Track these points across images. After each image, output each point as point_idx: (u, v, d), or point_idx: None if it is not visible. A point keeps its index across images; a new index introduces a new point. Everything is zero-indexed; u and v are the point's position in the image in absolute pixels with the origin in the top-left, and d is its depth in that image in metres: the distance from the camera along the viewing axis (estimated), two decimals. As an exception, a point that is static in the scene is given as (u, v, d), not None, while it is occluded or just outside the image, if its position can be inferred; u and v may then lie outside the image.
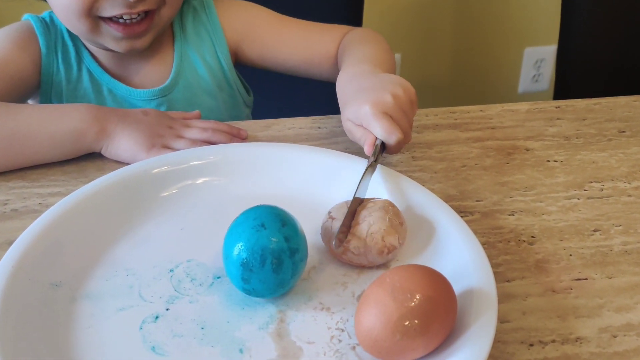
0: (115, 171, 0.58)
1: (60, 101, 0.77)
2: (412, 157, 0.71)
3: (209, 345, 0.47)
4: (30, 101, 0.81)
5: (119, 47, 0.73)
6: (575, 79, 1.02)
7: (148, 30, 0.72)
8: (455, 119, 0.78)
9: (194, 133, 0.68)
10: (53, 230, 0.54)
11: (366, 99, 0.60)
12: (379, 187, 0.59)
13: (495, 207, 0.64)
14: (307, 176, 0.61)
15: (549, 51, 1.81)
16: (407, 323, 0.43)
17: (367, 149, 0.60)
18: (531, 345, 0.49)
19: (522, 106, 0.80)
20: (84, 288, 0.52)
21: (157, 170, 0.57)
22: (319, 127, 0.76)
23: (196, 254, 0.55)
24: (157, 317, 0.50)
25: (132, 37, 0.72)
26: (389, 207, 0.54)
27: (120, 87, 0.77)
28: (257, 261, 0.47)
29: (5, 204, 0.63)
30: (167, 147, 0.66)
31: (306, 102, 1.11)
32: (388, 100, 0.60)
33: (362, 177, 0.57)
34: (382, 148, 0.60)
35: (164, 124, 0.68)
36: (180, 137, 0.67)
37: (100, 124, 0.65)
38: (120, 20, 0.70)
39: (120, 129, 0.66)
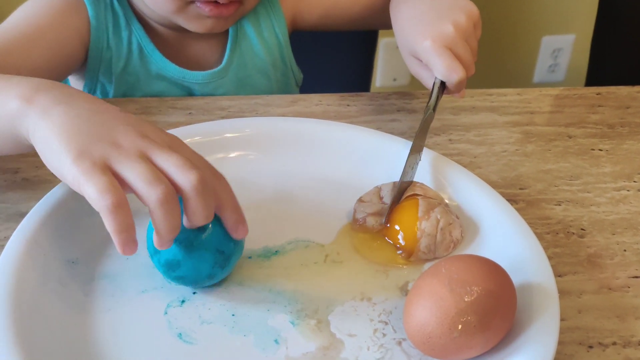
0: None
1: (109, 80, 0.70)
2: (449, 140, 0.67)
3: (241, 334, 0.43)
4: (72, 78, 0.75)
5: (199, 26, 0.66)
6: (610, 65, 0.98)
7: (234, 15, 0.67)
8: (492, 102, 0.74)
9: (171, 162, 0.41)
10: (68, 202, 0.49)
11: (425, 32, 0.55)
12: (422, 171, 0.55)
13: (541, 196, 0.60)
14: (345, 155, 0.56)
15: (567, 40, 1.76)
16: (466, 319, 0.39)
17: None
18: (590, 347, 0.45)
19: (561, 91, 0.76)
20: (102, 266, 0.47)
21: (188, 140, 0.52)
22: (348, 105, 0.72)
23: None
24: (183, 301, 0.45)
25: (217, 17, 0.65)
26: (441, 199, 0.51)
27: (172, 69, 0.70)
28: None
29: (16, 172, 0.58)
30: (107, 166, 0.40)
31: (329, 80, 1.07)
32: (449, 31, 0.55)
33: (419, 127, 0.54)
34: (442, 88, 0.56)
35: (135, 129, 0.43)
36: (144, 156, 0.41)
37: (35, 96, 0.44)
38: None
39: (55, 108, 0.43)
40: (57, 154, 0.41)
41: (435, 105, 0.56)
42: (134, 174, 0.39)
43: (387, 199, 0.53)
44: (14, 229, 0.50)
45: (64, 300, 0.44)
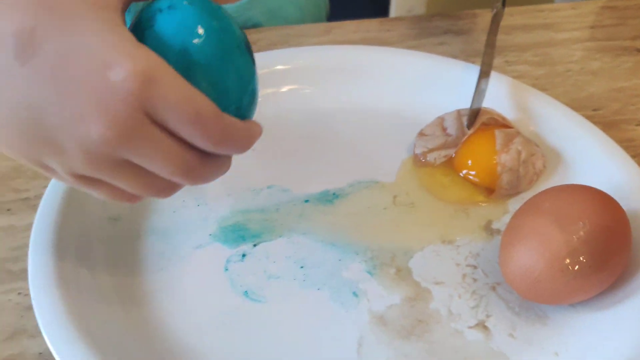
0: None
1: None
2: (506, 62, 0.61)
3: (315, 288, 0.39)
4: None
5: None
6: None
7: None
8: (545, 19, 0.67)
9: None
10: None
11: None
12: (487, 95, 0.49)
13: (618, 116, 0.54)
14: (407, 84, 0.50)
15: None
16: (579, 259, 0.34)
17: None
18: None
19: (621, 2, 0.69)
20: (148, 222, 0.42)
21: None
22: (389, 30, 0.65)
23: (278, 179, 0.45)
24: (244, 255, 0.40)
25: None
26: (516, 127, 0.45)
27: None
28: None
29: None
30: (82, 177, 0.29)
31: (343, 13, 1.01)
32: None
33: (489, 29, 0.50)
34: None
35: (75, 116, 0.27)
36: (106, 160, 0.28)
37: None
38: None
39: None
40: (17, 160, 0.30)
41: (504, 1, 0.52)
42: (124, 188, 0.30)
43: (452, 130, 0.47)
44: (42, 187, 0.46)
45: (110, 261, 0.39)
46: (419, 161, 0.47)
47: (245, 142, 0.31)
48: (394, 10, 1.65)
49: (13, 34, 0.26)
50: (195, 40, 0.28)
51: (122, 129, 0.26)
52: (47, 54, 0.26)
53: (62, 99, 0.26)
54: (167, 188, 0.31)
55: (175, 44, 0.28)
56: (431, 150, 0.47)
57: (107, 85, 0.26)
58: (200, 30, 0.28)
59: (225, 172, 0.32)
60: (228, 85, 0.30)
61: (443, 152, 0.46)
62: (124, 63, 0.26)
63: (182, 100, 0.27)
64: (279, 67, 0.49)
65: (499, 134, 0.44)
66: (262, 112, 0.49)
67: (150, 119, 0.27)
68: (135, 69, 0.26)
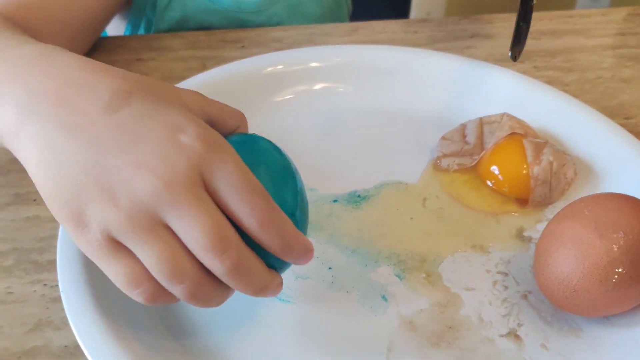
0: (215, 68, 0.47)
1: (154, 15, 0.62)
2: (535, 67, 0.60)
3: (343, 290, 0.38)
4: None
5: None
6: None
7: None
8: (575, 24, 0.66)
9: (194, 239, 0.28)
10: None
11: None
12: (512, 98, 0.48)
13: (650, 126, 0.53)
14: (441, 85, 0.50)
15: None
16: (620, 269, 0.33)
17: None
18: None
19: (649, 10, 0.69)
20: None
21: (270, 69, 0.46)
22: (416, 32, 0.64)
23: (304, 177, 0.44)
24: (271, 255, 0.40)
25: None
26: (544, 137, 0.45)
27: (225, 0, 0.62)
28: None
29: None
30: (114, 242, 0.29)
31: (363, 15, 1.01)
32: None
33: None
34: None
35: (131, 159, 0.28)
36: (154, 223, 0.28)
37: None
38: None
39: (23, 129, 0.30)
40: (50, 207, 0.30)
41: None
42: (147, 261, 0.28)
43: (471, 138, 0.46)
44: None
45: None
46: (436, 165, 0.46)
47: (289, 240, 0.30)
48: (412, 13, 1.65)
49: (111, 90, 0.30)
50: (261, 152, 0.32)
51: (174, 182, 0.27)
52: (132, 110, 0.29)
53: (129, 145, 0.28)
54: (188, 273, 0.29)
55: (243, 151, 0.31)
56: (446, 156, 0.46)
57: (174, 143, 0.28)
58: (266, 147, 0.33)
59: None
60: (284, 193, 0.32)
61: (457, 160, 0.45)
62: (196, 129, 0.29)
63: (238, 171, 0.29)
64: (314, 64, 0.48)
65: (528, 144, 0.43)
66: (293, 109, 0.49)
67: (203, 185, 0.28)
68: (205, 135, 0.29)
